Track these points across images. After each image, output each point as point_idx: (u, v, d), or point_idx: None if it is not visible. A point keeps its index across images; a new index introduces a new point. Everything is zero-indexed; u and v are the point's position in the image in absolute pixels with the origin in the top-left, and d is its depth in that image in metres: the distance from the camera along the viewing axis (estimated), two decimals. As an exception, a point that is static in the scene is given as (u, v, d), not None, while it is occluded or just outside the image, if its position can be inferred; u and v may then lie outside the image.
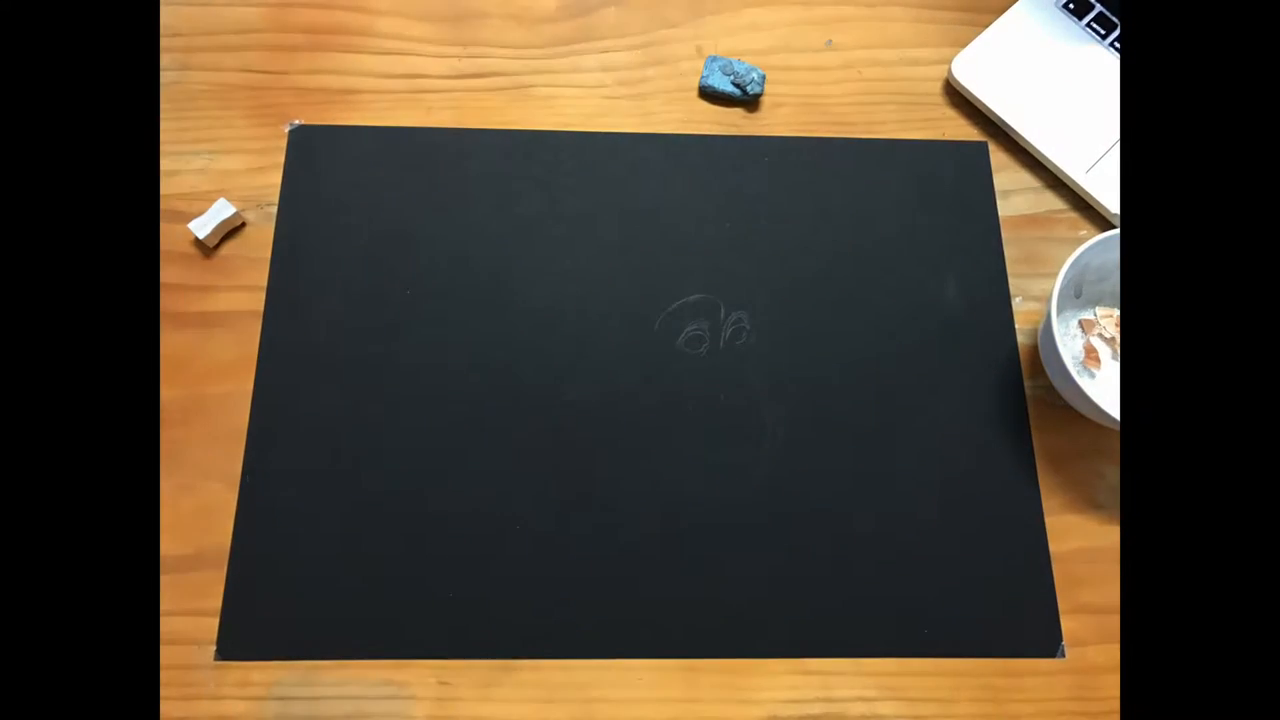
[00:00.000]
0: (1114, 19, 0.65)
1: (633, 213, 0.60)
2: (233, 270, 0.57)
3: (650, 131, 0.62)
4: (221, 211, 0.57)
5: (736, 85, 0.63)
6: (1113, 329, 0.57)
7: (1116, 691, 0.51)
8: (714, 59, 0.63)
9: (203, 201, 0.58)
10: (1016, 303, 0.59)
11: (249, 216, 0.59)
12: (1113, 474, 0.55)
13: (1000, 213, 0.61)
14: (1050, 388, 0.56)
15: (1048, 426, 0.56)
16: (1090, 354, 0.56)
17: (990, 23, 0.65)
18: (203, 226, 0.56)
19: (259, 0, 0.65)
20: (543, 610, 0.51)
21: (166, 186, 0.59)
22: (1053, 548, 0.53)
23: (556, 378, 0.55)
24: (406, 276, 0.57)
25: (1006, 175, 0.63)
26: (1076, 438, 0.56)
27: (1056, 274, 0.52)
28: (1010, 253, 0.60)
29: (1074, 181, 0.61)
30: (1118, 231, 0.53)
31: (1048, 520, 0.54)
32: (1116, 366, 0.56)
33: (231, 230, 0.58)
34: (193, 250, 0.58)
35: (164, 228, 0.58)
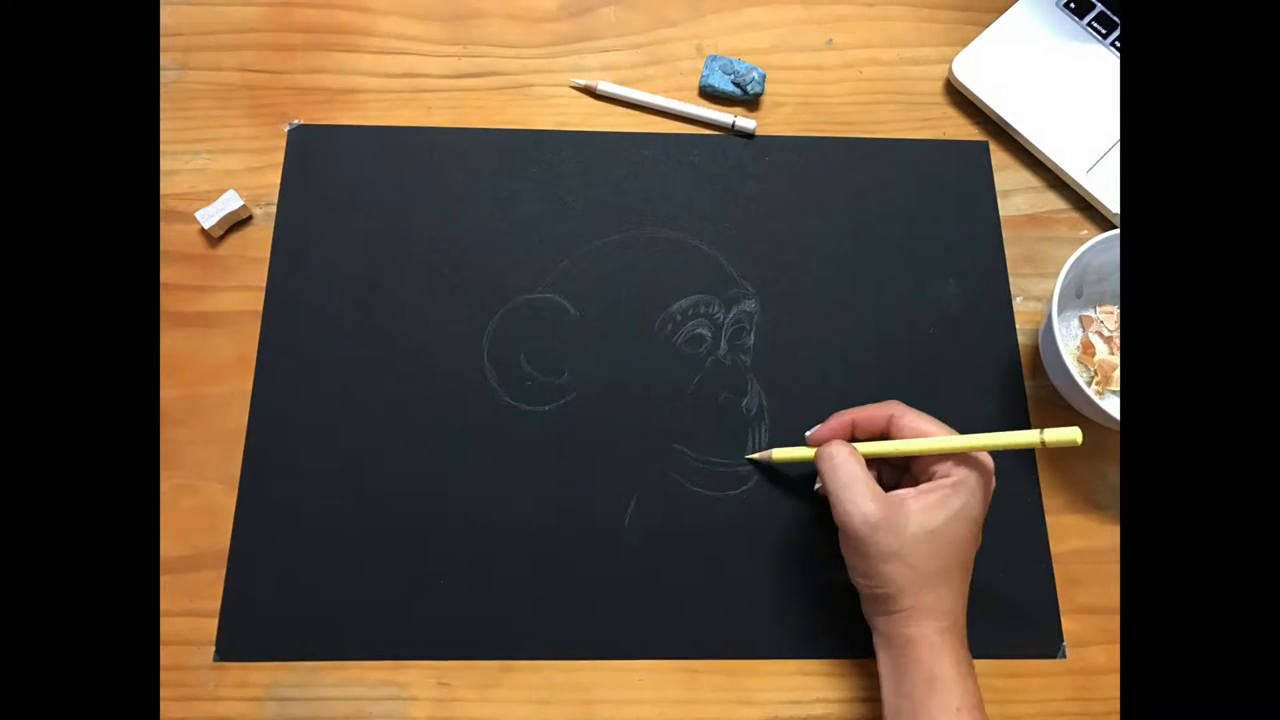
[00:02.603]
0: (1114, 18, 0.64)
1: (633, 213, 0.60)
2: (232, 270, 0.57)
3: (650, 131, 0.62)
4: (229, 203, 0.56)
5: (737, 85, 0.62)
6: (1112, 325, 0.56)
7: (1117, 692, 0.51)
8: (714, 58, 0.63)
9: (201, 201, 0.58)
10: (1017, 302, 0.59)
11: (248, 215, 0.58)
12: (1113, 474, 0.55)
13: (1001, 212, 0.61)
14: (1051, 388, 0.56)
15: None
16: (1087, 349, 0.56)
17: (991, 22, 0.65)
18: (209, 216, 0.56)
19: (258, 0, 0.64)
20: (543, 610, 0.51)
21: (165, 186, 0.59)
22: (1053, 548, 0.53)
23: (557, 377, 0.55)
24: (405, 276, 0.57)
25: (1007, 175, 0.62)
26: (1077, 438, 0.56)
27: (1057, 274, 0.51)
28: (1011, 252, 0.60)
29: (1075, 181, 0.61)
30: (1118, 231, 0.53)
31: (1048, 520, 0.54)
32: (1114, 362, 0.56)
33: (237, 223, 0.58)
34: (192, 250, 0.57)
35: (163, 227, 0.58)
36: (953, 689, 0.41)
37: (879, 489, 0.44)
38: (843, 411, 0.50)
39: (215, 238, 0.57)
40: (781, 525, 0.53)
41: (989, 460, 0.46)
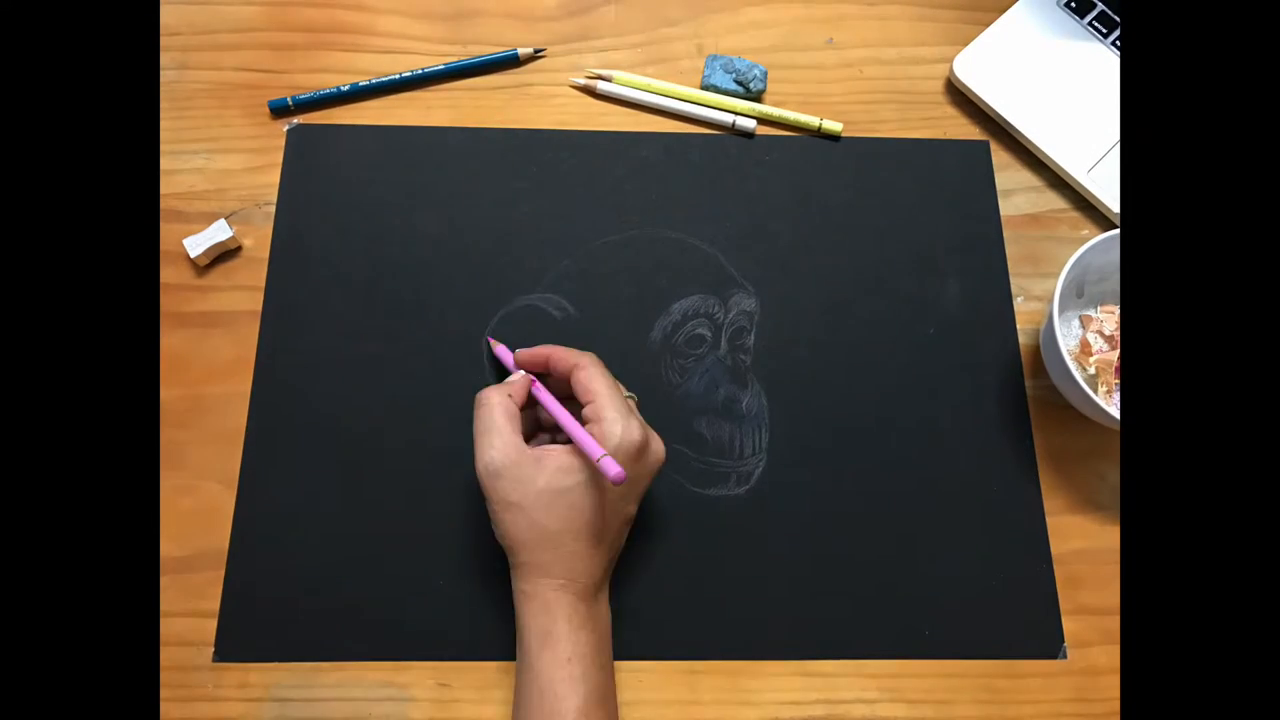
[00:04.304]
0: (1115, 18, 0.64)
1: (633, 212, 0.60)
2: (232, 270, 0.57)
3: (650, 131, 0.62)
4: (218, 233, 0.56)
5: (739, 83, 0.62)
6: (1112, 325, 0.56)
7: (1117, 692, 0.51)
8: (714, 58, 0.63)
9: (201, 201, 0.58)
10: (1018, 302, 0.59)
11: (248, 215, 0.58)
12: (1114, 474, 0.55)
13: (1002, 212, 0.61)
14: (1052, 388, 0.56)
15: (1049, 426, 0.56)
16: (1087, 349, 0.56)
17: (991, 21, 0.65)
18: (197, 245, 0.55)
19: (258, 0, 0.64)
20: (542, 611, 0.51)
21: (165, 186, 0.59)
22: (1054, 548, 0.53)
23: (556, 378, 0.55)
24: (406, 276, 0.57)
25: (1008, 174, 0.62)
26: (1078, 438, 0.56)
27: (1058, 273, 0.51)
28: (1012, 252, 0.60)
29: (1076, 181, 0.61)
30: (1119, 231, 0.53)
31: (1049, 521, 0.54)
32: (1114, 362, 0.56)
33: (225, 252, 0.57)
34: (192, 250, 0.57)
35: (163, 227, 0.58)
36: (564, 640, 0.43)
37: (514, 439, 0.45)
38: (547, 346, 0.50)
39: (201, 266, 0.57)
40: (781, 525, 0.53)
41: (655, 444, 0.46)
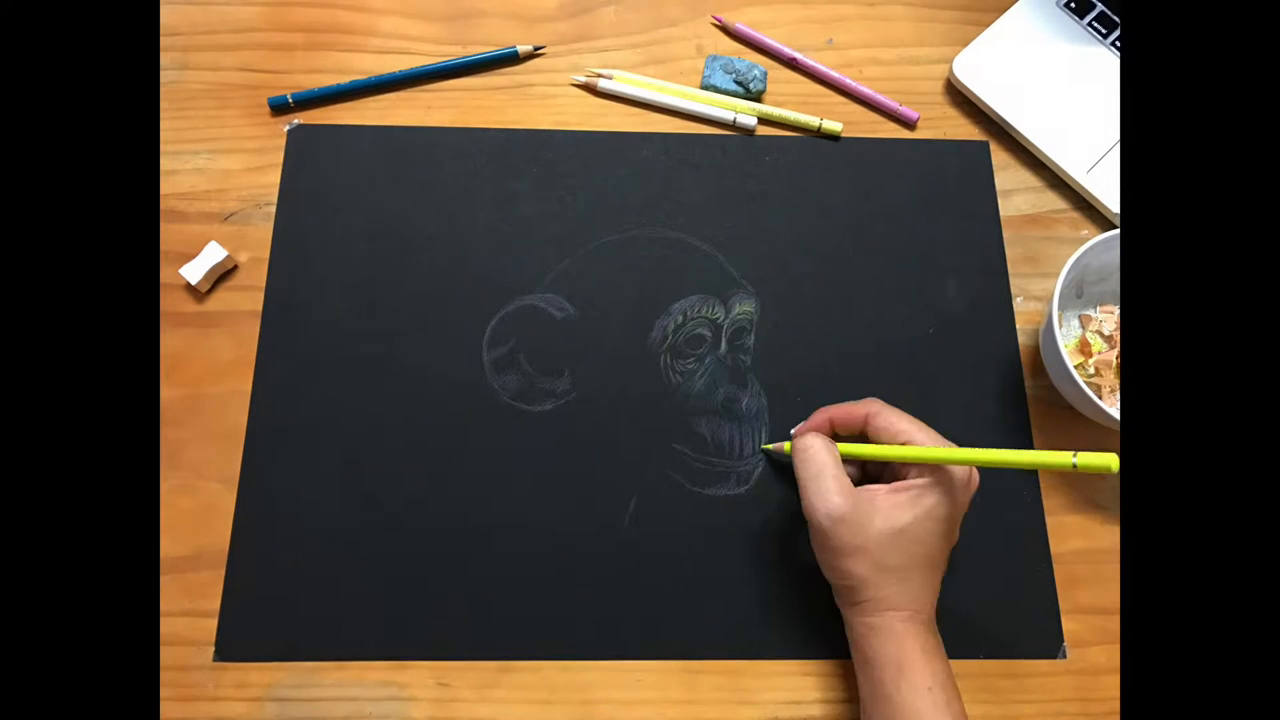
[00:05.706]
0: (1115, 18, 0.64)
1: (633, 212, 0.60)
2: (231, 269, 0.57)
3: (650, 131, 0.62)
4: (213, 255, 0.55)
5: (739, 83, 0.62)
6: (1112, 325, 0.56)
7: (1117, 692, 0.51)
8: (714, 58, 0.63)
9: (202, 201, 0.58)
10: (1017, 302, 0.59)
11: (248, 216, 0.58)
12: (1113, 474, 0.55)
13: (1001, 212, 0.61)
14: (1051, 388, 0.56)
15: (1048, 426, 0.56)
16: (1084, 348, 0.56)
17: (991, 22, 0.65)
18: (195, 271, 0.55)
19: (258, 0, 0.64)
20: (543, 610, 0.51)
21: (165, 186, 0.59)
22: (1053, 548, 0.53)
23: (557, 377, 0.55)
24: (405, 276, 0.57)
25: (1008, 175, 0.62)
26: (1077, 438, 0.56)
27: (1058, 273, 0.51)
28: (1011, 252, 0.60)
29: (1075, 181, 0.61)
30: (1118, 232, 0.53)
31: (1048, 520, 0.54)
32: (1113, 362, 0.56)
33: (225, 273, 0.57)
34: (192, 250, 0.57)
35: (163, 227, 0.58)
36: (921, 670, 0.42)
37: (847, 483, 0.45)
38: (824, 408, 0.50)
39: (203, 293, 0.56)
40: (781, 525, 0.53)
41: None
